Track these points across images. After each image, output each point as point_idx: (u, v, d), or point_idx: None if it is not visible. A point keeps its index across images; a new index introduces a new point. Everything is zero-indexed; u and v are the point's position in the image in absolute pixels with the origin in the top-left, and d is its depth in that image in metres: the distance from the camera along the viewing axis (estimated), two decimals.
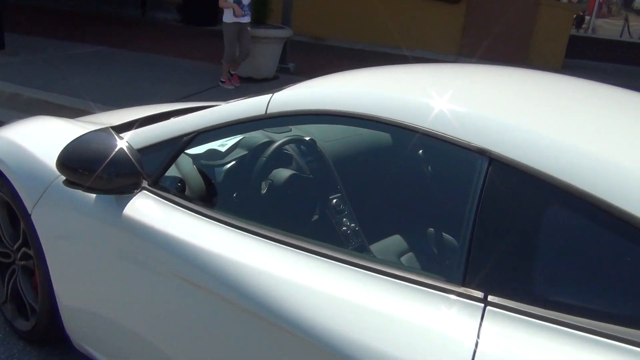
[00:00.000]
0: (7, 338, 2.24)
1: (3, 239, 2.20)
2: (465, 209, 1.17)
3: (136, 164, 1.58)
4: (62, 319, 1.93)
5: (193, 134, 1.68)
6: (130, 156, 1.58)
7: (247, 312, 1.31)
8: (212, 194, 1.81)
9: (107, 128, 1.65)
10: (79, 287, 1.81)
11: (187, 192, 1.75)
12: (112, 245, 1.66)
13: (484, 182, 1.16)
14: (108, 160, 1.53)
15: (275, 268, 1.32)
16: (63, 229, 1.80)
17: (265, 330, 1.29)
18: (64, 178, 1.74)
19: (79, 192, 1.72)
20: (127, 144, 1.62)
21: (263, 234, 1.41)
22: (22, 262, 2.15)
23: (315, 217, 1.78)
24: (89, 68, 6.75)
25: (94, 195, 1.71)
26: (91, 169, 1.54)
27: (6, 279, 2.23)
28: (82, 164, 1.55)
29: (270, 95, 1.62)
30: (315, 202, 1.82)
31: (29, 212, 1.88)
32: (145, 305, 1.61)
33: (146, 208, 1.61)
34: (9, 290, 2.21)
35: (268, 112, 1.57)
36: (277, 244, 1.37)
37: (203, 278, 1.41)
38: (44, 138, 2.02)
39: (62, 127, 2.13)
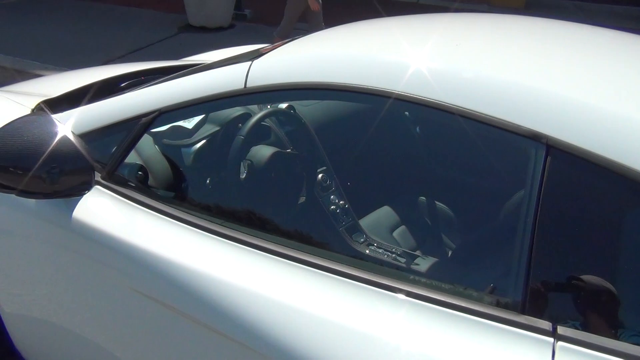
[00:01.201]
0: None
1: None
2: (520, 210, 0.91)
3: (87, 157, 1.25)
4: (9, 334, 1.63)
5: (154, 114, 1.35)
6: (79, 147, 1.25)
7: (232, 341, 1.05)
8: (180, 183, 1.51)
9: (41, 111, 1.30)
10: (24, 296, 1.51)
11: (150, 181, 1.45)
12: (61, 249, 1.36)
13: (543, 176, 0.91)
14: (47, 154, 1.20)
15: (266, 289, 1.05)
16: (4, 236, 1.47)
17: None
18: None
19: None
20: (71, 131, 1.29)
21: (244, 240, 1.13)
22: None
23: (309, 211, 1.51)
24: (26, 18, 6.09)
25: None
26: (25, 168, 1.21)
27: None
28: (12, 161, 1.21)
29: (249, 63, 1.30)
30: (305, 186, 1.55)
31: None
32: (100, 317, 1.33)
33: (100, 208, 1.30)
34: None
35: (248, 86, 1.26)
36: (265, 253, 1.10)
37: (171, 297, 1.14)
38: None
39: None
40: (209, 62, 2.64)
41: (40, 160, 1.20)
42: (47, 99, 1.88)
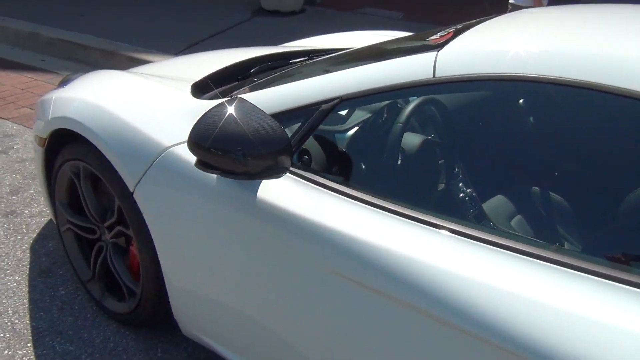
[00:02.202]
0: (97, 319, 2.06)
1: (89, 213, 1.97)
2: None
3: (290, 141, 1.32)
4: (172, 304, 1.74)
5: (335, 101, 1.41)
6: (283, 131, 1.31)
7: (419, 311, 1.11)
8: (344, 169, 1.56)
9: (240, 98, 1.37)
10: (196, 275, 1.60)
11: (312, 166, 1.51)
12: (240, 231, 1.44)
13: None
14: (263, 135, 1.27)
15: (461, 266, 1.09)
16: (176, 210, 1.56)
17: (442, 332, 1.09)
18: (182, 155, 1.50)
19: (192, 170, 1.48)
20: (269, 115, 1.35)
21: (431, 222, 1.18)
22: (113, 240, 1.93)
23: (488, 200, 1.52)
24: (107, 2, 6.28)
25: (214, 175, 1.47)
26: (229, 150, 1.28)
27: (92, 257, 2.02)
28: (222, 144, 1.29)
29: (435, 53, 1.34)
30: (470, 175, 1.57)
31: (131, 191, 1.64)
32: (283, 298, 1.40)
33: (288, 192, 1.37)
34: (97, 268, 2.01)
35: (437, 76, 1.30)
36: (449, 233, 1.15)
37: (370, 276, 1.20)
38: (135, 103, 1.74)
39: (148, 87, 1.85)
40: (334, 47, 2.69)
41: (252, 144, 1.27)
42: (197, 83, 1.97)
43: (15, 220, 2.57)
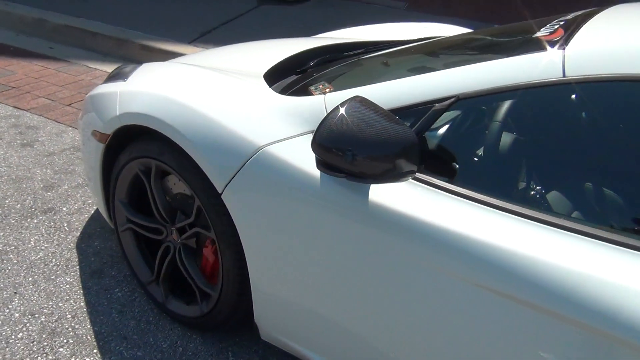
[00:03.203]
0: (160, 322, 1.98)
1: (157, 213, 1.88)
2: None
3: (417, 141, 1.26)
4: (255, 308, 1.67)
5: (451, 100, 1.35)
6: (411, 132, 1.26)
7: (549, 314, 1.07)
8: (458, 170, 1.50)
9: (362, 97, 1.30)
10: (287, 279, 1.54)
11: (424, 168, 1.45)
12: (345, 234, 1.38)
13: None
14: (397, 140, 1.21)
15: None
16: (270, 212, 1.49)
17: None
18: (278, 155, 1.43)
19: (290, 171, 1.42)
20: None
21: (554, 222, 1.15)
22: (183, 242, 1.86)
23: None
24: None
25: (316, 177, 1.40)
26: (354, 152, 1.22)
27: (158, 258, 1.94)
28: (349, 145, 1.22)
29: (561, 51, 1.29)
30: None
31: (219, 192, 1.56)
32: (391, 301, 1.35)
33: (403, 195, 1.31)
34: (162, 270, 1.93)
35: (567, 75, 1.25)
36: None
37: (496, 278, 1.15)
38: (218, 99, 1.65)
39: (226, 82, 1.77)
40: (361, 39, 2.62)
41: (386, 147, 1.21)
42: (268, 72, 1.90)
43: (54, 217, 2.47)
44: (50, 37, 4.75)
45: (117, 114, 1.79)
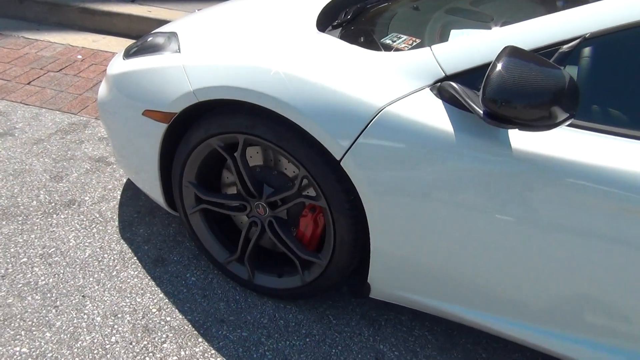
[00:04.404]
0: (248, 299, 1.92)
1: (243, 190, 1.79)
2: None
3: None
4: (371, 269, 1.68)
5: (578, 40, 1.39)
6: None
7: None
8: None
9: (514, 47, 1.29)
10: (416, 235, 1.55)
11: None
12: (491, 183, 1.40)
13: None
14: (560, 85, 1.22)
15: None
16: (400, 172, 1.47)
17: None
18: (402, 114, 1.42)
19: (418, 127, 1.41)
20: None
21: None
22: (274, 215, 1.79)
23: None
24: None
25: (449, 131, 1.40)
26: (533, 102, 1.23)
27: (243, 235, 1.86)
28: (526, 97, 1.23)
29: None
30: None
31: (338, 159, 1.51)
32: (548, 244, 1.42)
33: (553, 138, 1.35)
34: (249, 246, 1.86)
35: None
36: None
37: None
38: (309, 60, 1.57)
39: (305, 41, 1.68)
40: None
41: (556, 93, 1.22)
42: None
43: (81, 209, 2.26)
44: None
45: (191, 89, 1.65)
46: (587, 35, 1.39)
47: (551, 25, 1.42)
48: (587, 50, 1.43)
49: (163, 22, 3.93)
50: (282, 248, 1.81)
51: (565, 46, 1.40)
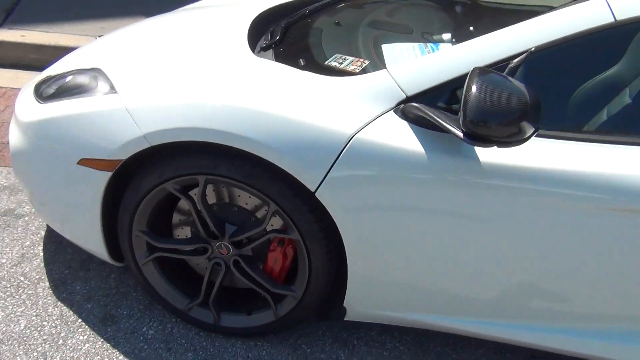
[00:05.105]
0: (216, 343, 1.82)
1: (204, 233, 1.69)
2: None
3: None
4: (348, 294, 1.67)
5: (523, 54, 1.48)
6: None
7: None
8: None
9: (481, 68, 1.33)
10: (395, 256, 1.58)
11: None
12: (470, 201, 1.46)
13: None
14: (531, 102, 1.30)
15: None
16: (376, 196, 1.48)
17: None
18: (372, 139, 1.44)
19: (390, 150, 1.44)
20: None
21: None
22: (239, 253, 1.71)
23: None
24: None
25: (420, 151, 1.44)
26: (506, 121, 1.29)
27: (206, 278, 1.76)
28: (499, 116, 1.28)
29: None
30: None
31: (312, 190, 1.48)
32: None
33: (520, 150, 1.44)
34: (214, 289, 1.76)
35: (617, 19, 1.47)
36: None
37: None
38: (267, 92, 1.52)
39: (255, 70, 1.62)
40: None
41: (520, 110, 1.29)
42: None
43: (0, 275, 1.99)
44: None
45: (142, 133, 1.52)
46: (533, 49, 1.49)
47: (499, 41, 1.50)
48: (532, 63, 1.53)
49: (42, 48, 3.58)
50: (252, 285, 1.74)
51: (514, 60, 1.49)
